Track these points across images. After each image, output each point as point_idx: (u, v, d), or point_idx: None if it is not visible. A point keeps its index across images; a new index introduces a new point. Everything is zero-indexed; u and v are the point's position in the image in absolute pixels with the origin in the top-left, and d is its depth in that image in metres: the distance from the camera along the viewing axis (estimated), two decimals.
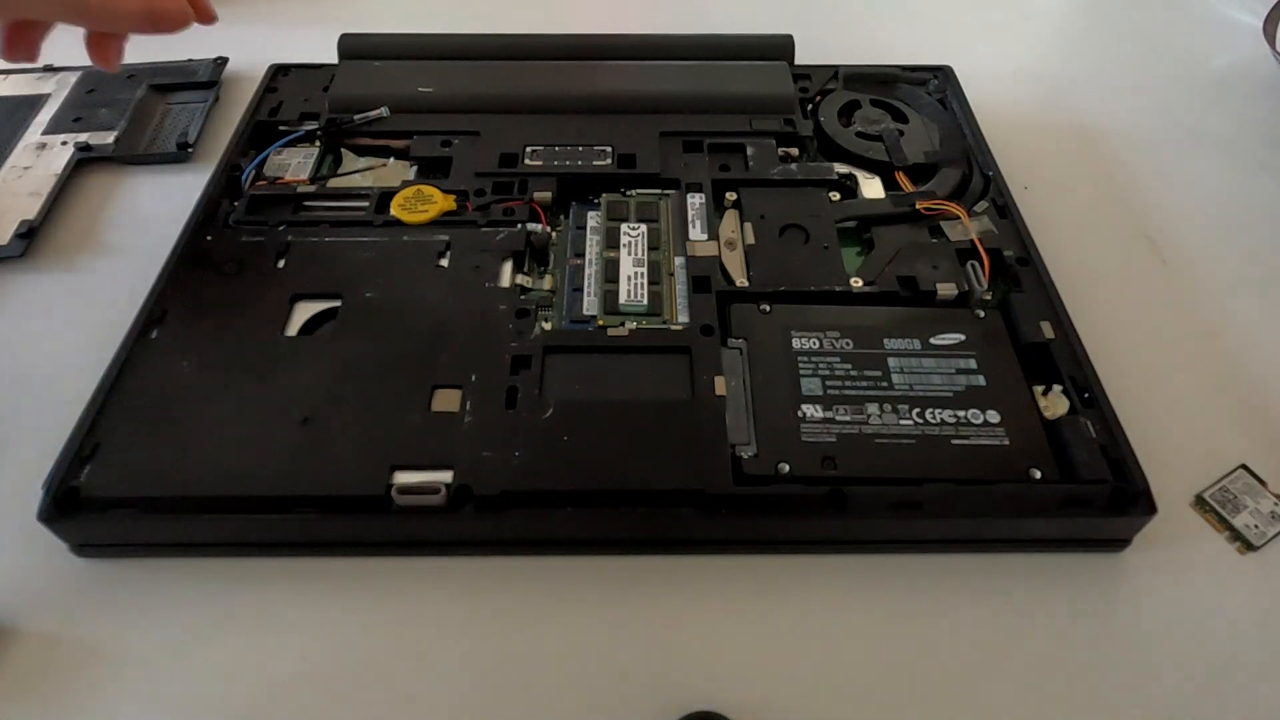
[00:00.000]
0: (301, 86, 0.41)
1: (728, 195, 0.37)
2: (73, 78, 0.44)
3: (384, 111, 0.39)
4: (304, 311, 0.32)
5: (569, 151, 0.38)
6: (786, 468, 0.27)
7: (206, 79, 0.44)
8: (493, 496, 0.26)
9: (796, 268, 0.34)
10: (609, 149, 0.38)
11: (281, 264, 0.33)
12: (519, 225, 0.35)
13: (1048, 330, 0.31)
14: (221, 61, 0.46)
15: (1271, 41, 0.48)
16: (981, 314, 0.32)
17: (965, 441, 0.28)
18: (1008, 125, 0.41)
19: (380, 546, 0.28)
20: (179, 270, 0.33)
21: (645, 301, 0.32)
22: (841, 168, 0.38)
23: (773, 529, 0.28)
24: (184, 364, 0.29)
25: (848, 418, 0.28)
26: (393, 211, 0.35)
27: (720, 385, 0.29)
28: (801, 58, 0.44)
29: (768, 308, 0.32)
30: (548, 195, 0.36)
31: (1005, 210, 0.36)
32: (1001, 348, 0.31)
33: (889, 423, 0.28)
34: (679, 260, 0.34)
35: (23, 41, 0.28)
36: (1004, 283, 0.34)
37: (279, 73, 0.42)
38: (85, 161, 0.40)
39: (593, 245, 0.35)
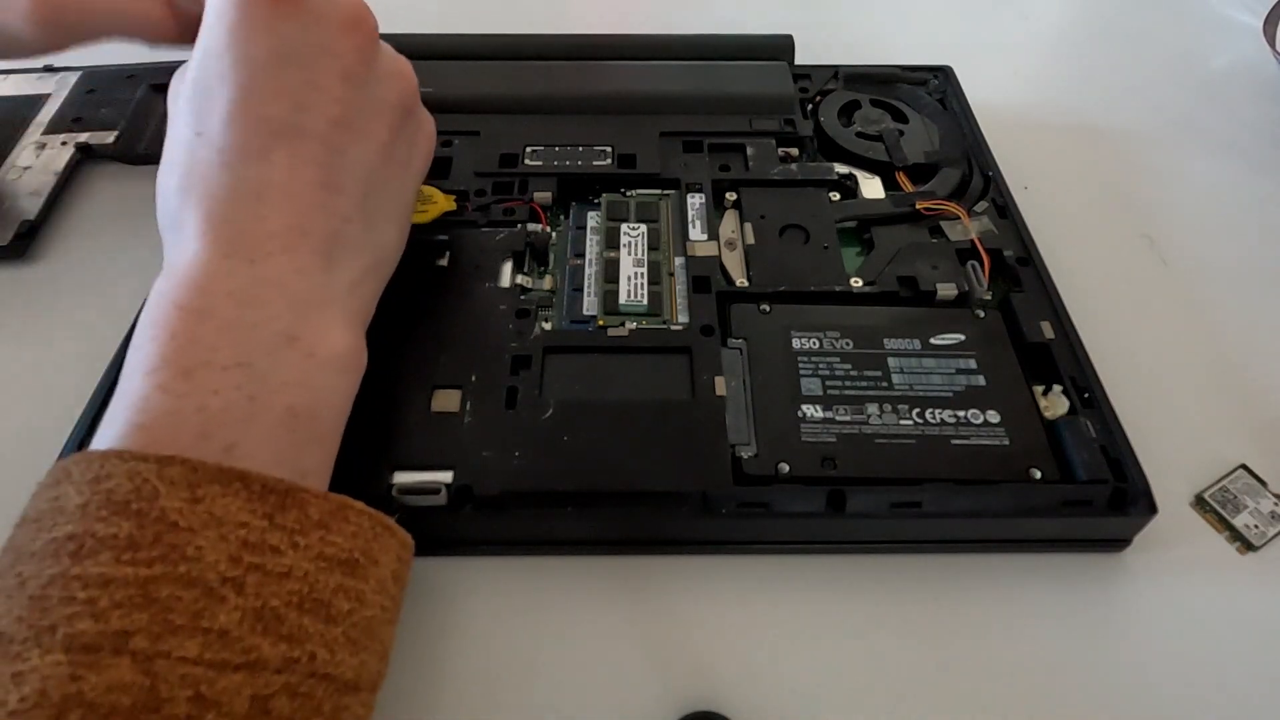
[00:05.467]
0: None
1: (728, 195, 0.37)
2: (73, 78, 0.44)
3: None
4: None
5: (569, 151, 0.38)
6: (786, 468, 0.27)
7: None
8: (493, 496, 0.26)
9: (796, 268, 0.34)
10: (609, 149, 0.38)
11: None
12: (519, 225, 0.35)
13: (1048, 330, 0.31)
14: None
15: (1271, 42, 0.48)
16: (981, 314, 0.32)
17: (965, 441, 0.28)
18: (1008, 125, 0.41)
19: None
20: None
21: (645, 301, 0.32)
22: (841, 168, 0.38)
23: (773, 529, 0.28)
24: None
25: (848, 418, 0.28)
26: None
27: (720, 385, 0.29)
28: (801, 58, 0.44)
29: (768, 308, 0.32)
30: (548, 195, 0.36)
31: (1005, 210, 0.36)
32: (1001, 348, 0.31)
33: (889, 423, 0.28)
34: (679, 260, 0.34)
35: None
36: (1004, 283, 0.34)
37: None
38: (85, 161, 0.40)
39: (593, 245, 0.35)
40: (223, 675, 0.18)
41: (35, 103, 0.43)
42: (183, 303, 0.22)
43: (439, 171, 0.37)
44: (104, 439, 0.21)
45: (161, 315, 0.22)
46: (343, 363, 0.24)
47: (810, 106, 0.42)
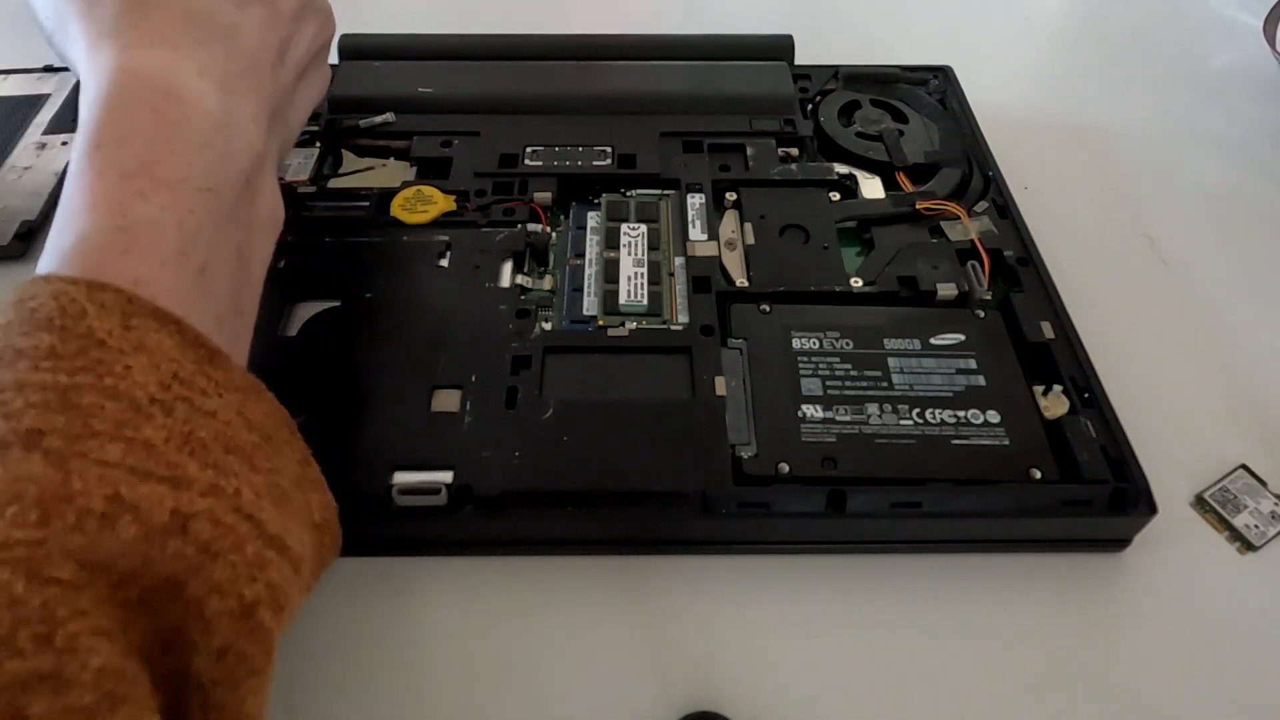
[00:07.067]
0: None
1: (728, 195, 0.37)
2: (73, 78, 0.44)
3: (390, 117, 0.39)
4: (304, 311, 0.32)
5: (569, 152, 0.38)
6: (786, 468, 0.27)
7: None
8: (493, 496, 0.26)
9: (796, 268, 0.34)
10: (609, 149, 0.38)
11: (281, 264, 0.33)
12: (519, 225, 0.35)
13: (1048, 330, 0.31)
14: None
15: (1271, 42, 0.48)
16: (981, 314, 0.32)
17: (965, 441, 0.28)
18: (1008, 125, 0.41)
19: (380, 546, 0.28)
20: None
21: (645, 302, 0.32)
22: (841, 168, 0.38)
23: (773, 529, 0.28)
24: None
25: (848, 418, 0.28)
26: (393, 212, 0.35)
27: (720, 385, 0.29)
28: (801, 58, 0.44)
29: (768, 308, 0.32)
30: (548, 195, 0.36)
31: (1005, 210, 0.36)
32: (1001, 348, 0.31)
33: (889, 423, 0.28)
34: (679, 260, 0.34)
35: None
36: (1004, 283, 0.34)
37: None
38: None
39: (593, 245, 0.35)
40: (144, 483, 0.17)
41: (35, 103, 0.43)
42: (158, 106, 0.22)
43: (439, 171, 0.37)
44: (69, 237, 0.20)
45: (133, 115, 0.21)
46: (273, 221, 0.26)
47: (810, 106, 0.42)
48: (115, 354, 0.18)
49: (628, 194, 0.37)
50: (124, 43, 0.22)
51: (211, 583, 0.18)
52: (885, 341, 0.31)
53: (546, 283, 0.33)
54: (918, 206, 0.36)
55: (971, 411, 0.29)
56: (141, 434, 0.18)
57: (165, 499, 0.18)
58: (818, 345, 0.30)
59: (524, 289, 0.32)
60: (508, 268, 0.33)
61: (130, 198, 0.20)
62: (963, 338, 0.31)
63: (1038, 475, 0.27)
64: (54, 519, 0.16)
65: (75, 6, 0.23)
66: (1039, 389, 0.30)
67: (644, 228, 0.35)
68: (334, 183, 0.37)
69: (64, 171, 0.39)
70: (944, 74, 0.43)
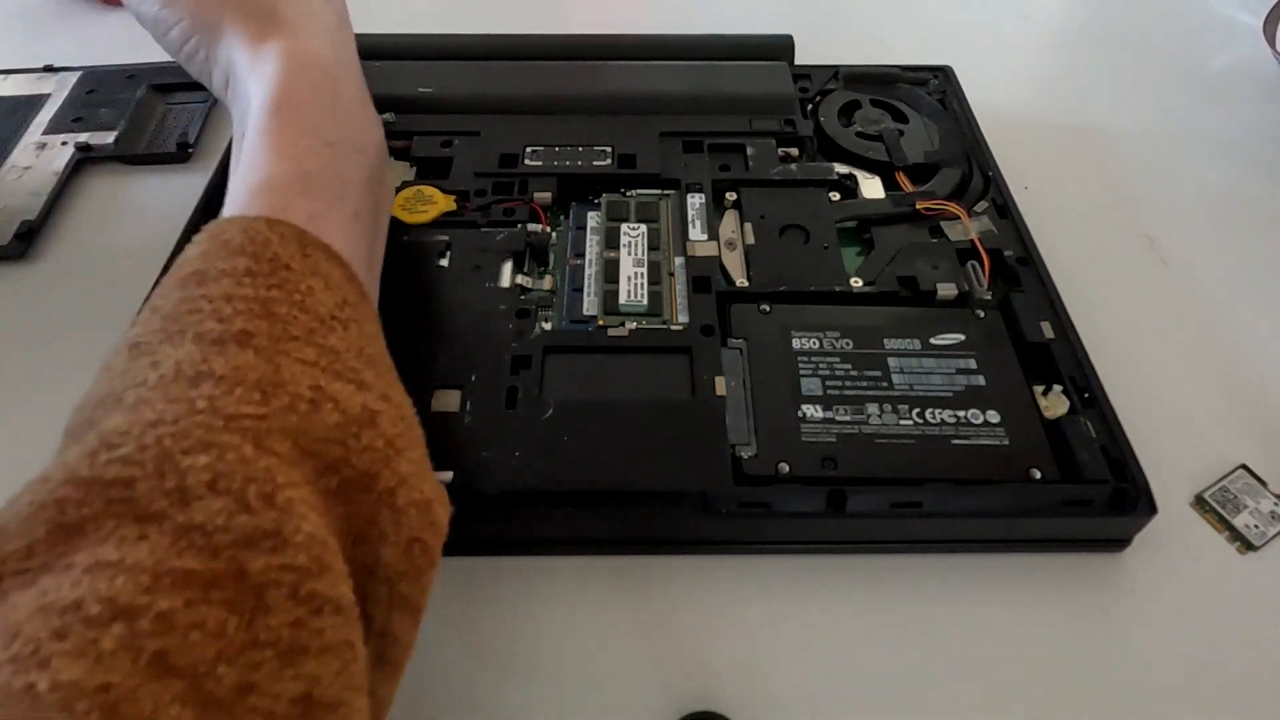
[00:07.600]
0: None
1: (728, 195, 0.37)
2: (73, 78, 0.44)
3: (390, 117, 0.39)
4: None
5: (569, 152, 0.38)
6: (786, 468, 0.27)
7: None
8: (493, 496, 0.26)
9: (796, 268, 0.34)
10: (609, 149, 0.38)
11: None
12: (519, 225, 0.35)
13: (1048, 330, 0.31)
14: None
15: (1271, 42, 0.48)
16: (981, 314, 0.32)
17: (965, 441, 0.28)
18: (1008, 125, 0.41)
19: None
20: None
21: (645, 301, 0.32)
22: (841, 168, 0.38)
23: (773, 529, 0.28)
24: None
25: (848, 418, 0.28)
26: (393, 212, 0.35)
27: (720, 385, 0.29)
28: (801, 58, 0.44)
29: (768, 308, 0.32)
30: (548, 195, 0.36)
31: (1005, 210, 0.36)
32: (1001, 348, 0.31)
33: (889, 423, 0.28)
34: (679, 260, 0.34)
35: None
36: (1004, 283, 0.34)
37: None
38: (85, 161, 0.40)
39: (593, 245, 0.35)
40: (337, 380, 0.20)
41: (35, 103, 0.43)
42: (319, 83, 0.27)
43: (439, 171, 0.37)
44: (256, 177, 0.24)
45: (303, 89, 0.26)
46: (394, 187, 0.31)
47: (810, 106, 0.42)
48: (299, 275, 0.21)
49: (628, 194, 0.37)
50: (280, 36, 0.27)
51: (399, 475, 0.20)
52: (885, 341, 0.31)
53: (546, 283, 0.33)
54: (918, 206, 0.36)
55: (971, 411, 0.29)
56: (328, 342, 0.21)
57: (355, 395, 0.20)
58: (818, 345, 0.30)
59: (524, 289, 0.32)
60: (508, 268, 0.33)
61: (304, 152, 0.24)
62: (963, 338, 0.31)
63: (1038, 475, 0.27)
64: (272, 399, 0.19)
65: (231, 15, 0.28)
66: (1039, 389, 0.30)
67: (644, 228, 0.35)
68: None
69: (64, 171, 0.39)
70: (944, 74, 0.43)
